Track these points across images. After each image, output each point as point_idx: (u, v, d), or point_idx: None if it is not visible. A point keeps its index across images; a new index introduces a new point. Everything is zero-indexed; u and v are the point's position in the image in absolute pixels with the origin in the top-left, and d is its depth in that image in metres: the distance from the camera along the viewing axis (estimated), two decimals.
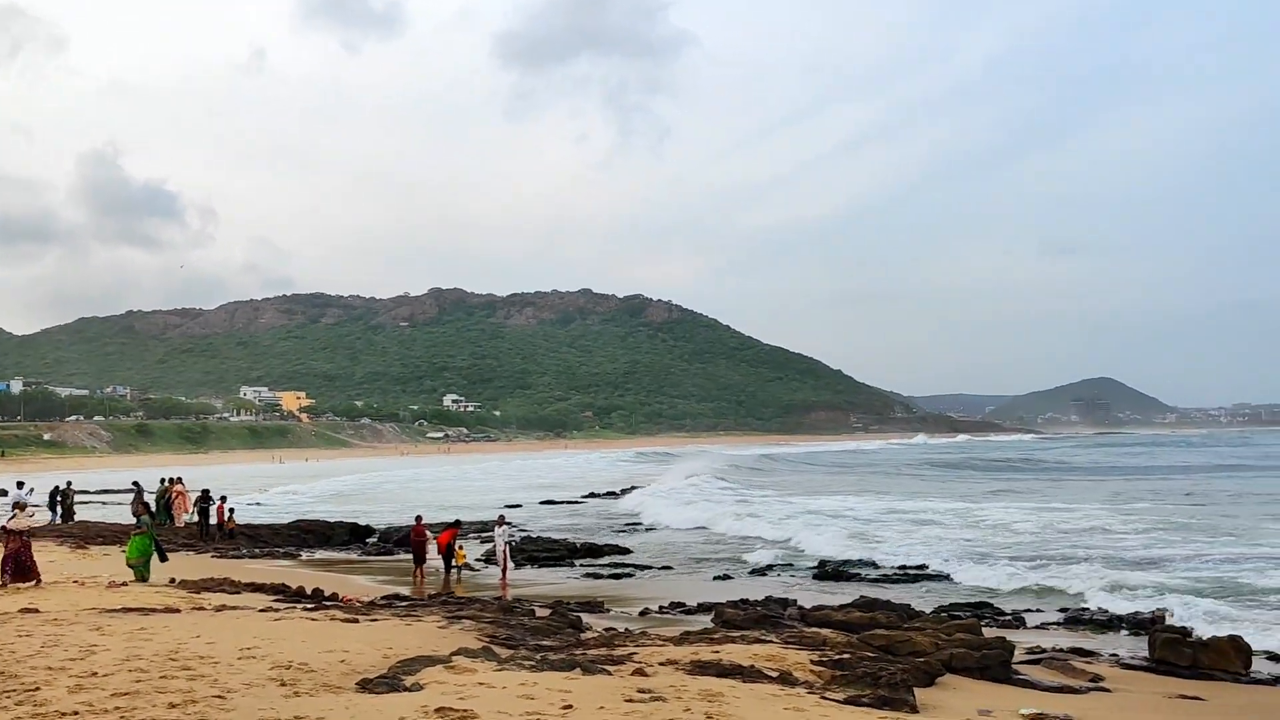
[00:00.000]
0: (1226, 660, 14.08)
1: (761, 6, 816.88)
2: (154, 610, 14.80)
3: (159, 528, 28.09)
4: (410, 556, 25.42)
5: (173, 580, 19.61)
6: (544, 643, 13.48)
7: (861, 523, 35.22)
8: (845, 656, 12.55)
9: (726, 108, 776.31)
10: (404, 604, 17.67)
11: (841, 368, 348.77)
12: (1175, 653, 14.28)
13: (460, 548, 25.41)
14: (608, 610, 19.38)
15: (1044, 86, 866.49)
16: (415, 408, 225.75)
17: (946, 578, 23.32)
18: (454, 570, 24.68)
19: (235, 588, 18.99)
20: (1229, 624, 16.32)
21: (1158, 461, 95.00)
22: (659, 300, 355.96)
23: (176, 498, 35.24)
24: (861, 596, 18.67)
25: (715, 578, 24.26)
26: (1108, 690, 12.93)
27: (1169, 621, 16.78)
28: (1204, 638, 14.54)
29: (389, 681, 9.89)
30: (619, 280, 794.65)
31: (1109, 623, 17.69)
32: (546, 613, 16.93)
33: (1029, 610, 19.11)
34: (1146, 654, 14.69)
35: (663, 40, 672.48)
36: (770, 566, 25.99)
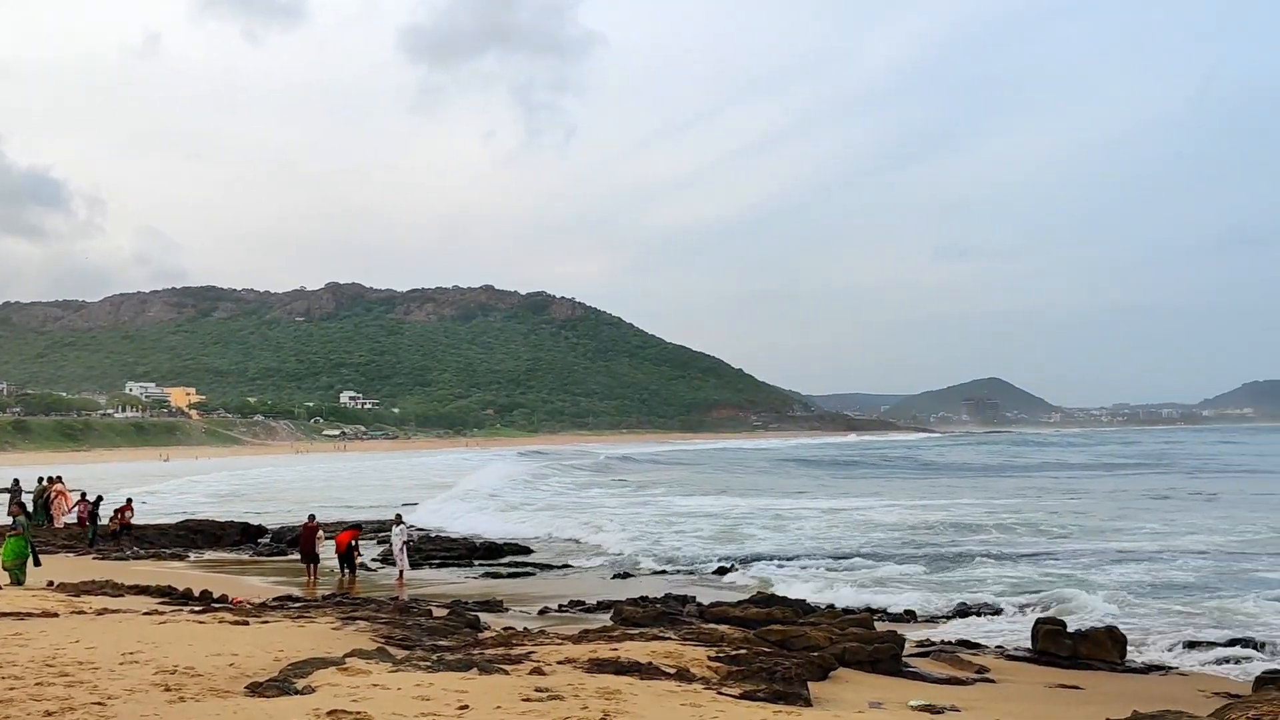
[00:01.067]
0: (1104, 650, 14.70)
1: (670, 8, 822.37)
2: (30, 615, 14.19)
3: (37, 529, 26.93)
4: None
5: (51, 583, 18.81)
6: (441, 643, 13.35)
7: (656, 524, 35.44)
8: (742, 652, 12.72)
9: (633, 107, 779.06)
10: (297, 605, 17.30)
11: (743, 367, 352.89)
12: (1056, 643, 14.85)
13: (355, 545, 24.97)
14: (507, 609, 19.28)
15: (940, 94, 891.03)
16: (311, 405, 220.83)
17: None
18: (348, 571, 24.25)
19: (118, 590, 18.32)
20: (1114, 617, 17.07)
21: (1046, 459, 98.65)
22: (563, 298, 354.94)
23: (56, 497, 33.83)
24: (759, 593, 18.93)
25: (615, 576, 24.34)
26: (992, 681, 13.37)
27: (1052, 613, 17.44)
28: (1083, 629, 15.14)
29: (279, 685, 9.67)
30: (523, 277, 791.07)
31: (994, 615, 18.30)
32: (444, 613, 16.76)
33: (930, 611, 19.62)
34: (1030, 645, 15.24)
35: (572, 39, 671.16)
36: (670, 562, 26.18)
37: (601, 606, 19.05)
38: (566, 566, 26.48)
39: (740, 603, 17.77)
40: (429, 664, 10.88)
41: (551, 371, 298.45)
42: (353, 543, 24.61)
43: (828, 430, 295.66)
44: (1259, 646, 15.10)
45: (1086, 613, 17.85)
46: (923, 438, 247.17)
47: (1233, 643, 15.32)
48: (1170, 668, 14.41)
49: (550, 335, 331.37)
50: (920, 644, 15.53)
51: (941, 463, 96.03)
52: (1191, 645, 15.33)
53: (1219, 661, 14.60)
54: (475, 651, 12.49)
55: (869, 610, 18.21)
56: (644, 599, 19.32)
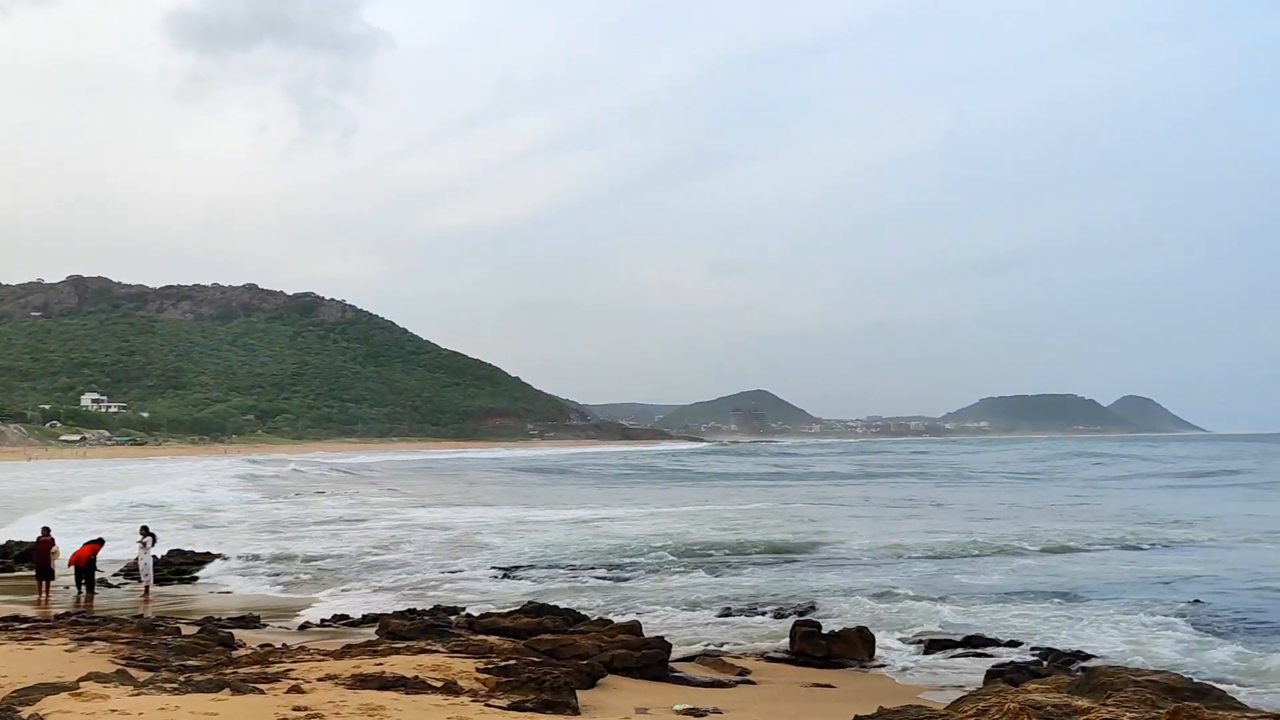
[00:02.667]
0: (855, 649, 15.60)
1: (457, 11, 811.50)
2: None
3: None
4: (34, 572, 22.85)
5: None
6: (190, 663, 12.58)
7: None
8: (511, 662, 12.67)
9: (415, 108, 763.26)
10: (24, 626, 15.86)
11: (520, 375, 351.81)
12: (812, 644, 15.62)
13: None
14: (265, 625, 18.40)
15: (717, 114, 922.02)
16: (47, 407, 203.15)
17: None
18: (86, 588, 22.46)
19: None
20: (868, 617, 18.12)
21: (809, 468, 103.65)
22: (333, 300, 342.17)
23: None
24: (530, 602, 18.91)
25: (376, 590, 23.66)
26: (753, 683, 13.92)
27: (812, 616, 18.33)
28: (835, 630, 16.01)
29: (1, 715, 8.84)
30: (290, 278, 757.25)
31: (753, 617, 19.05)
32: (194, 630, 15.80)
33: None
34: (788, 647, 15.96)
35: (355, 37, 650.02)
36: (457, 570, 25.73)
37: (367, 620, 18.50)
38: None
39: (510, 613, 17.70)
40: (175, 686, 10.23)
41: (319, 376, 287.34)
42: (93, 557, 22.82)
43: (603, 439, 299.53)
44: (989, 643, 16.44)
45: (839, 615, 18.87)
46: (691, 447, 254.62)
47: (968, 640, 16.58)
48: (914, 665, 15.44)
49: (318, 338, 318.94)
50: (686, 649, 15.95)
51: (708, 472, 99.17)
52: (933, 644, 16.49)
53: (955, 657, 15.77)
54: (228, 670, 11.85)
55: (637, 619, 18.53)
56: (412, 611, 18.91)
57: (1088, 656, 15.07)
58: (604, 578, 24.51)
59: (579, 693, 11.51)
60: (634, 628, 15.85)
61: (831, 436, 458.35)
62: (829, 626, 16.54)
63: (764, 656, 15.73)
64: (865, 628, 16.08)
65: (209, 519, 41.96)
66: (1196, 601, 19.86)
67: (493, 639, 14.99)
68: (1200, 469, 78.19)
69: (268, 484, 70.03)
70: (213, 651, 13.74)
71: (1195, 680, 10.15)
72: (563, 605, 18.41)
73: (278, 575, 25.84)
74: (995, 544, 30.03)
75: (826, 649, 15.54)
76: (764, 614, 19.38)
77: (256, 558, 28.52)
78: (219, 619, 18.03)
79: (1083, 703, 8.83)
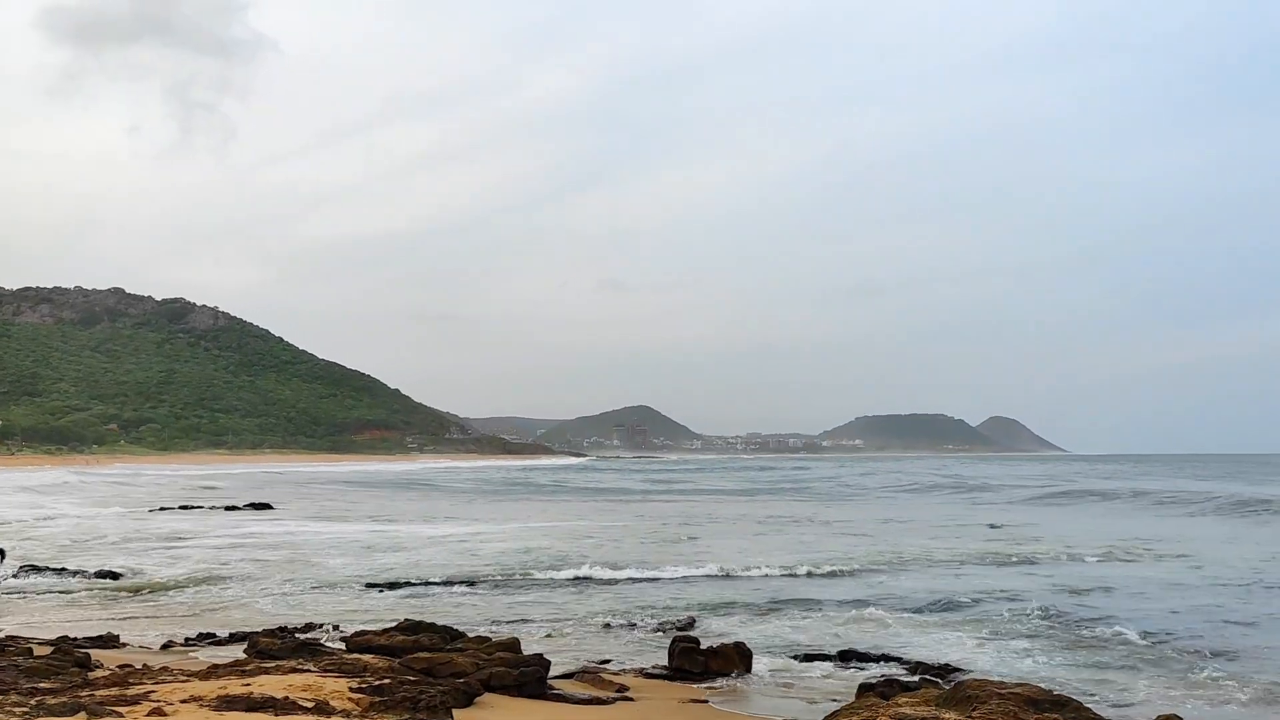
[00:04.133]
0: (732, 664, 15.77)
1: (345, 18, 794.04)
2: None
3: None
4: None
5: None
6: (42, 685, 11.94)
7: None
8: (385, 682, 12.41)
9: (298, 115, 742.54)
10: None
11: (400, 387, 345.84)
12: (690, 660, 15.73)
13: None
14: (125, 645, 17.59)
15: (605, 130, 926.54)
16: None
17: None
18: None
19: None
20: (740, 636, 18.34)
21: (691, 484, 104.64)
22: (204, 306, 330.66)
23: None
24: (407, 619, 18.56)
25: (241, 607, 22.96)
26: (631, 699, 13.95)
27: (692, 631, 18.49)
28: (713, 645, 16.17)
29: None
30: (160, 282, 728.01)
31: (635, 633, 19.12)
32: (48, 651, 15.00)
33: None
34: (667, 663, 16.04)
35: (239, 41, 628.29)
36: (330, 586, 25.09)
37: (235, 638, 17.89)
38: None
39: (386, 630, 17.33)
40: (26, 711, 9.70)
41: (188, 385, 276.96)
42: None
43: (484, 453, 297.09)
44: (862, 657, 16.85)
45: (719, 632, 19.09)
46: (572, 462, 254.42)
47: (841, 654, 16.96)
48: (789, 679, 15.71)
49: (188, 346, 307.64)
50: (565, 666, 15.89)
51: (589, 487, 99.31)
52: (808, 658, 16.82)
53: (829, 672, 16.10)
54: (84, 693, 11.29)
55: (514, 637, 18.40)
56: (283, 629, 18.37)
57: (956, 670, 15.57)
58: (483, 593, 24.35)
59: (455, 712, 11.35)
60: (512, 645, 15.71)
61: (712, 453, 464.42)
62: (708, 642, 16.68)
63: (643, 673, 15.78)
64: (742, 643, 16.28)
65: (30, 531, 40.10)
66: (1056, 614, 20.71)
67: (367, 658, 14.66)
68: (1056, 489, 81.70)
69: (97, 493, 67.17)
70: (68, 673, 13.07)
71: (1056, 693, 10.58)
72: (440, 622, 18.13)
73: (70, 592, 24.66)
74: (872, 559, 30.90)
75: (704, 664, 15.67)
76: (643, 630, 19.47)
77: (64, 571, 27.40)
78: (75, 639, 17.16)
79: (950, 715, 9.13)
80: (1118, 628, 19.30)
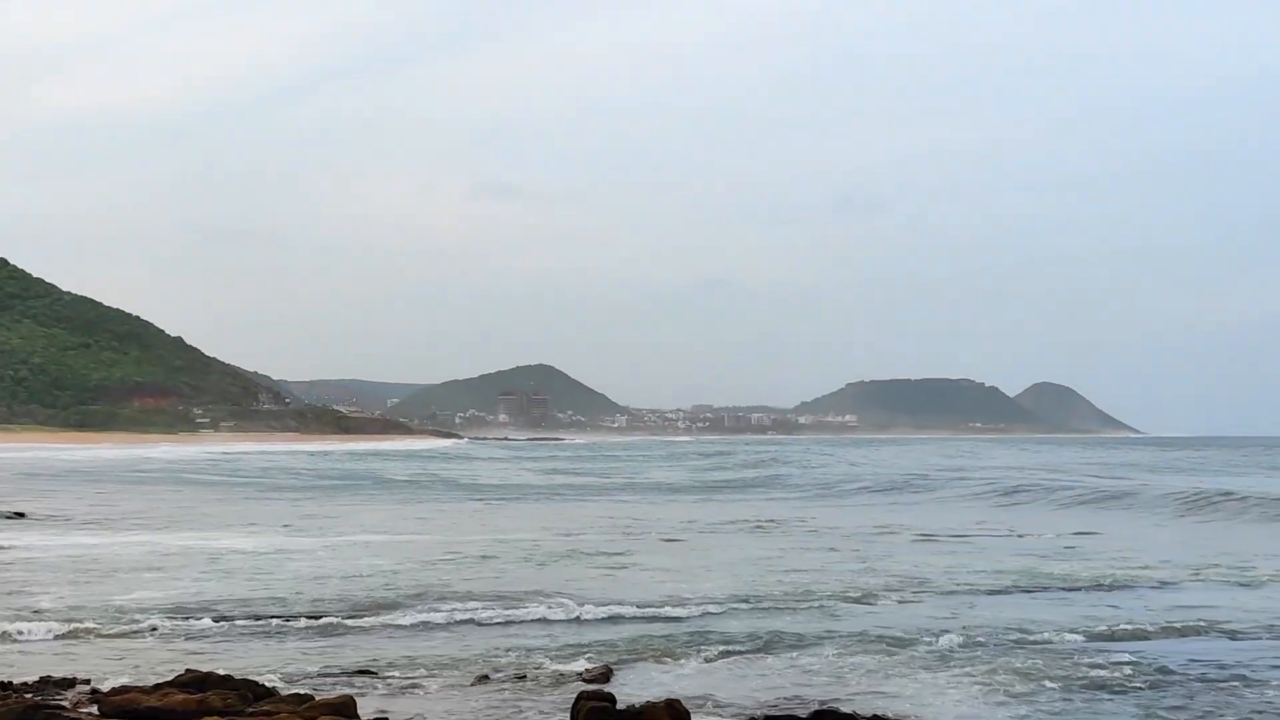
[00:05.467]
0: None
1: None
2: None
3: None
4: None
5: None
6: None
7: None
8: None
9: None
10: None
11: (186, 335, 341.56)
12: None
13: None
14: None
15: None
16: None
17: None
18: None
19: None
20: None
21: (618, 480, 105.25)
22: None
23: None
24: (189, 670, 18.45)
25: None
26: None
27: (606, 686, 18.62)
28: (636, 704, 16.34)
29: None
30: None
31: (525, 685, 19.25)
32: None
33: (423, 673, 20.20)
34: None
35: None
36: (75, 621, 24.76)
37: None
38: None
39: (159, 686, 17.22)
40: None
41: None
42: None
43: (310, 432, 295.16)
44: (846, 718, 17.13)
45: (644, 684, 19.32)
46: (438, 445, 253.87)
47: (818, 716, 17.24)
48: None
49: None
50: None
51: (467, 482, 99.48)
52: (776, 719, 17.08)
53: None
54: None
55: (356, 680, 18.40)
56: (6, 684, 18.11)
57: None
58: (302, 633, 24.34)
59: None
60: (345, 706, 15.73)
61: (643, 432, 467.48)
62: (628, 700, 16.83)
63: None
64: (677, 701, 16.47)
65: None
66: (1113, 663, 21.36)
67: None
68: (1116, 488, 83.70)
69: None
70: None
71: None
72: (238, 674, 18.04)
73: None
74: (861, 584, 31.62)
75: None
76: (536, 683, 19.61)
77: None
78: None
79: None
80: (1166, 674, 19.98)
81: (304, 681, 19.30)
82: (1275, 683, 19.90)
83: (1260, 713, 17.90)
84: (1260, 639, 24.03)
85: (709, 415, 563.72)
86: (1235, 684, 19.75)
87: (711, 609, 27.52)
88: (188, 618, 25.70)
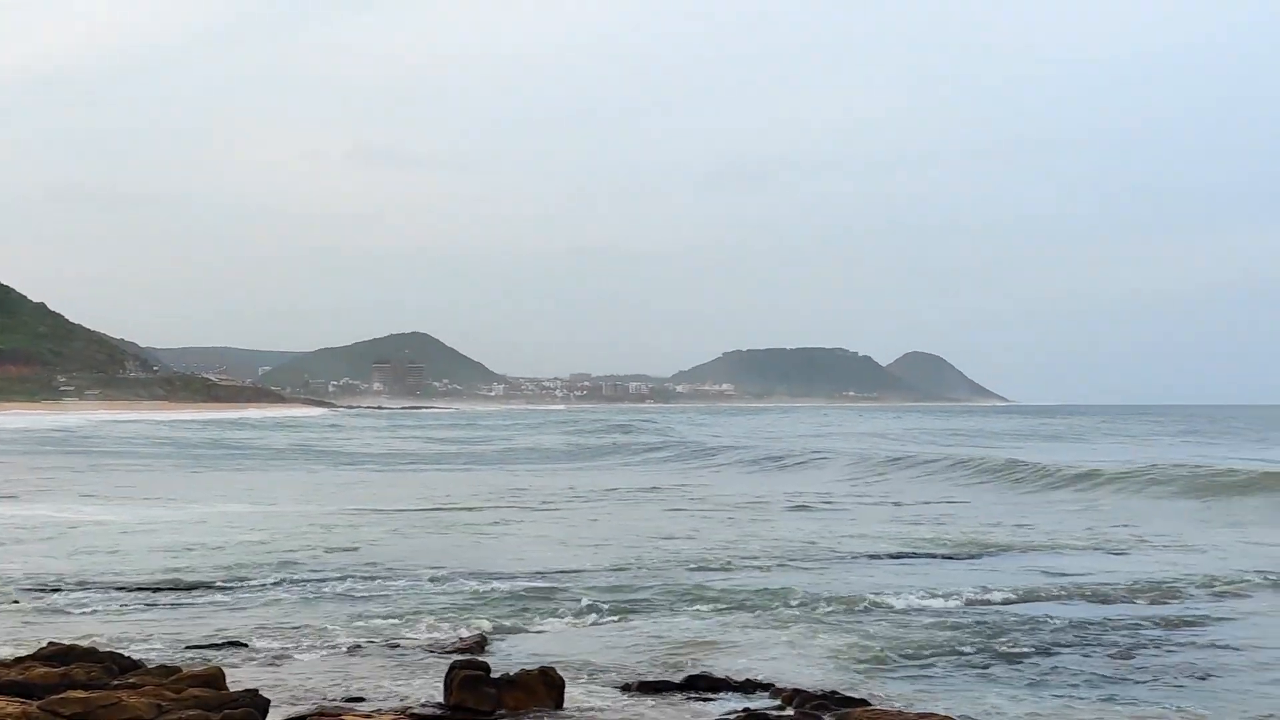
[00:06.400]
0: (535, 699, 15.99)
1: None
2: None
3: None
4: None
5: None
6: None
7: None
8: None
9: None
10: None
11: (49, 300, 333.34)
12: (477, 694, 15.86)
13: None
14: None
15: None
16: None
17: None
18: None
19: None
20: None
21: (496, 446, 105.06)
22: None
23: None
24: (51, 643, 18.08)
25: None
26: None
27: (482, 655, 18.62)
28: (511, 673, 16.36)
29: None
30: None
31: (397, 654, 19.19)
32: None
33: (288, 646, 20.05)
34: (444, 697, 16.14)
35: None
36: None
37: None
38: None
39: (21, 660, 16.85)
40: None
41: None
42: None
43: (178, 400, 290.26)
44: (720, 684, 17.35)
45: (518, 652, 19.43)
46: (312, 413, 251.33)
47: (691, 680, 17.43)
48: (617, 717, 16.07)
49: None
50: (293, 706, 15.81)
51: (343, 450, 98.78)
52: (645, 686, 17.23)
53: (674, 706, 16.53)
54: None
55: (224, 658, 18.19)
56: None
57: (845, 699, 16.22)
58: (168, 604, 24.02)
59: None
60: (213, 677, 15.51)
61: (521, 401, 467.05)
62: (502, 668, 16.86)
63: (408, 713, 15.85)
64: (550, 669, 16.50)
65: None
66: (981, 624, 21.91)
67: None
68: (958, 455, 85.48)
69: None
70: None
71: None
72: (103, 646, 17.73)
73: None
74: (740, 551, 32.08)
75: (496, 699, 15.84)
76: (410, 651, 19.58)
77: None
78: None
79: None
80: (1054, 645, 20.52)
81: (171, 653, 19.10)
82: (1145, 643, 20.58)
83: (1138, 670, 18.50)
84: (1134, 602, 24.76)
85: (587, 384, 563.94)
86: (1106, 644, 20.37)
87: (587, 577, 27.66)
88: (49, 590, 25.29)
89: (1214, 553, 32.33)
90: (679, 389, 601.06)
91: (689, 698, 16.91)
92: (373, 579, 27.00)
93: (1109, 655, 19.71)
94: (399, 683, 17.70)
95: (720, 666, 18.45)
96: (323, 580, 26.76)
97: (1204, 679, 18.18)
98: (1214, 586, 26.39)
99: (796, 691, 16.76)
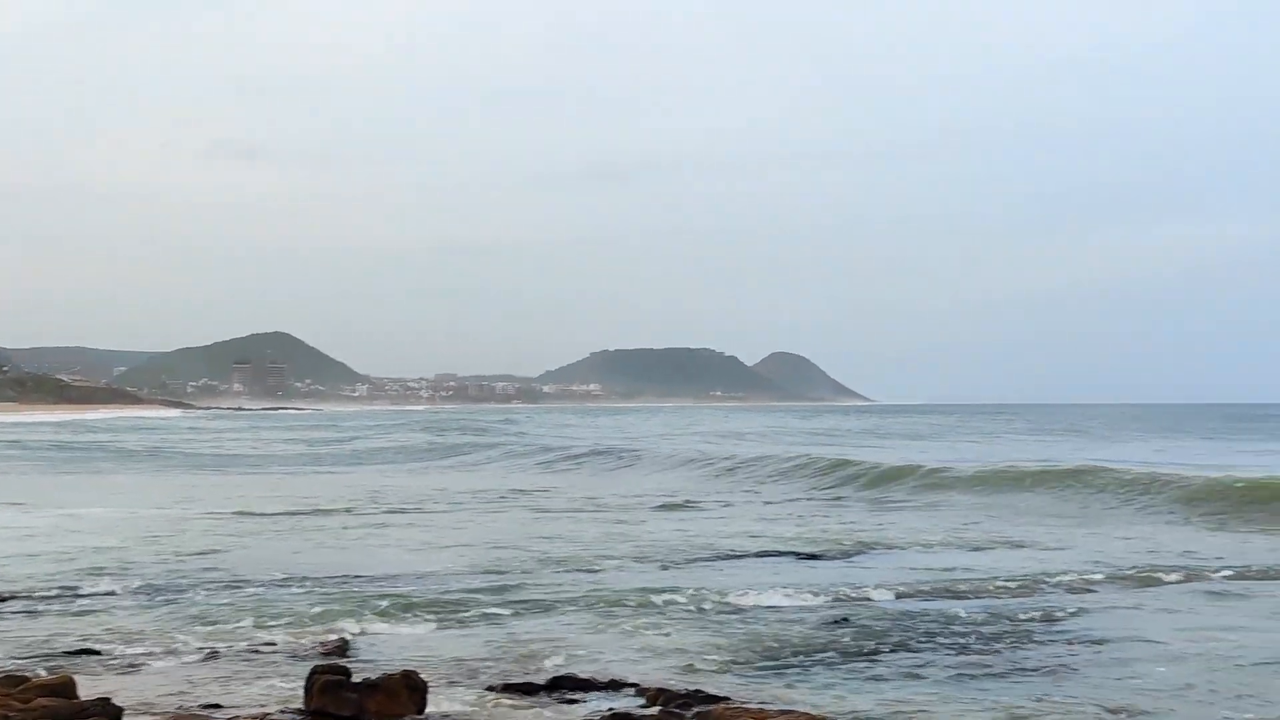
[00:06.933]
0: (399, 703, 15.84)
1: None
2: None
3: None
4: None
5: None
6: None
7: None
8: None
9: None
10: None
11: None
12: (337, 699, 15.66)
13: None
14: None
15: None
16: None
17: None
18: None
19: None
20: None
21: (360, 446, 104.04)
22: None
23: None
24: None
25: None
26: None
27: (344, 660, 18.42)
28: (373, 677, 16.19)
29: None
30: None
31: (258, 661, 18.90)
32: None
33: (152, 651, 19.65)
34: (304, 703, 15.93)
35: None
36: None
37: None
38: None
39: None
40: None
41: None
42: None
43: (28, 401, 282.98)
44: (584, 684, 17.37)
45: (384, 657, 19.27)
46: (170, 415, 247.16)
47: (556, 682, 17.44)
48: (482, 715, 16.02)
49: None
50: (146, 714, 15.51)
51: (198, 452, 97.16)
52: (509, 688, 17.18)
53: (537, 707, 16.52)
54: None
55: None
56: None
57: (711, 698, 16.34)
58: (19, 611, 23.36)
59: None
60: (64, 686, 15.16)
61: (385, 401, 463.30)
62: (364, 672, 16.71)
63: (266, 719, 15.67)
64: (413, 672, 16.37)
65: None
66: (842, 621, 22.21)
67: None
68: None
69: None
70: None
71: None
72: None
73: None
74: (599, 552, 32.19)
75: (358, 704, 15.67)
76: (269, 656, 19.33)
77: None
78: None
79: None
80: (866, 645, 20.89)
81: (19, 662, 18.56)
82: (1004, 637, 21.09)
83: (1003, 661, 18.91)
84: (993, 598, 25.29)
85: (453, 384, 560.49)
86: (966, 639, 20.82)
87: (451, 579, 27.52)
88: None
89: (1067, 550, 33.18)
90: (546, 389, 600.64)
91: (554, 699, 16.92)
92: (231, 584, 26.56)
93: (969, 650, 20.13)
94: (257, 689, 17.44)
95: (586, 667, 18.51)
96: (179, 585, 26.26)
97: (1062, 671, 18.67)
98: (1068, 582, 27.13)
99: (661, 690, 16.84)
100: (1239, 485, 44.59)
